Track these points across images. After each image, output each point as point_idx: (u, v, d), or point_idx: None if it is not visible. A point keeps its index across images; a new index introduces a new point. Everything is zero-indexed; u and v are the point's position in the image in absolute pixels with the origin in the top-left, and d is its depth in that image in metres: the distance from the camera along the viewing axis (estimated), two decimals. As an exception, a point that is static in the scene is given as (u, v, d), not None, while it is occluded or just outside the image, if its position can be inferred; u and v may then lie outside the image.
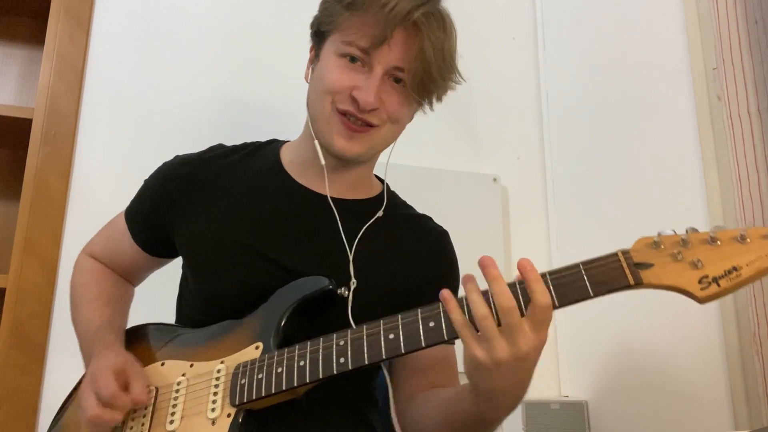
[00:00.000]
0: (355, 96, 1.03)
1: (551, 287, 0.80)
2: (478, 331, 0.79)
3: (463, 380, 0.92)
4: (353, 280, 1.06)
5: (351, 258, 1.08)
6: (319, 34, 1.11)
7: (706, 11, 1.61)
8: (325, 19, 1.08)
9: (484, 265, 0.80)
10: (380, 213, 1.16)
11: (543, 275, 0.81)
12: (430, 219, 1.24)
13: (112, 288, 1.24)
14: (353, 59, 1.05)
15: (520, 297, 0.80)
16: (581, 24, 2.14)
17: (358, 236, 1.11)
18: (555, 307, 0.80)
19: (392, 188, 1.25)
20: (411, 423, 1.06)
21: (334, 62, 1.06)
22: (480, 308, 0.78)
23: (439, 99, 1.12)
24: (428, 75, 1.05)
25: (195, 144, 1.28)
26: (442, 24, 1.05)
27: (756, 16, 1.45)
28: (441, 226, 1.23)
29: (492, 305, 0.79)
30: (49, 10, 1.81)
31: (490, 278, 0.79)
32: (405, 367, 1.11)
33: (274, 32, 2.01)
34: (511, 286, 0.80)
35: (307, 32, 1.16)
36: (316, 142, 1.09)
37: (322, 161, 1.09)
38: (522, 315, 0.78)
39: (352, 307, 1.04)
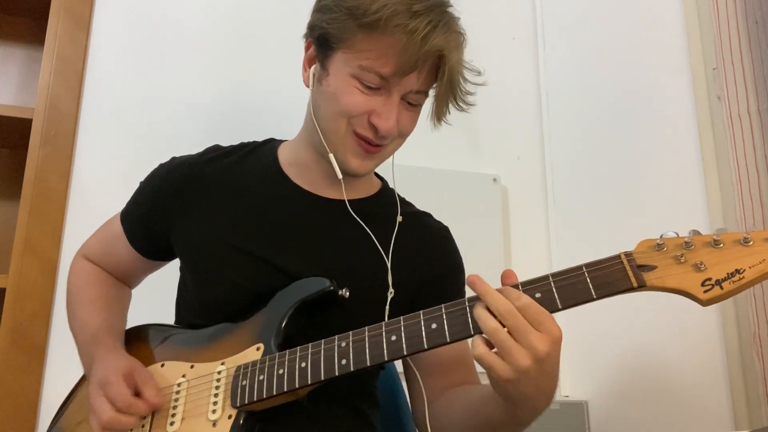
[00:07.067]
0: (376, 123, 1.01)
1: (554, 289, 0.80)
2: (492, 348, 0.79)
3: (483, 378, 0.91)
4: (391, 290, 1.05)
5: (389, 265, 1.08)
6: (325, 44, 1.03)
7: (706, 11, 1.61)
8: (333, 33, 1.01)
9: (472, 283, 0.82)
10: (399, 218, 1.15)
11: (546, 277, 0.81)
12: (430, 216, 1.23)
13: (109, 290, 1.23)
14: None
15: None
16: (581, 24, 2.14)
17: (392, 244, 1.10)
18: (557, 310, 0.80)
19: (392, 187, 1.25)
20: (434, 425, 1.05)
21: (347, 83, 1.00)
22: (488, 322, 0.79)
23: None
24: (454, 100, 1.06)
25: (195, 144, 1.28)
26: (462, 44, 1.04)
27: (756, 16, 1.45)
28: (441, 223, 1.23)
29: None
30: (49, 10, 1.81)
31: (481, 293, 0.81)
32: (422, 367, 1.09)
33: (273, 32, 2.01)
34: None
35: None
36: (331, 156, 1.06)
37: (339, 176, 1.07)
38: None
39: (367, 309, 1.03)
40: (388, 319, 0.98)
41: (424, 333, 0.85)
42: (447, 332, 0.84)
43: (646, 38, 1.83)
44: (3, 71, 1.93)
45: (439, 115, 1.09)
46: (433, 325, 0.85)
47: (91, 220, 1.33)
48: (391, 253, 1.10)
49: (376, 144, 1.05)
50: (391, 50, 0.97)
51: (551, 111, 2.22)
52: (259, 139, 1.26)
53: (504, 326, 0.78)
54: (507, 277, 0.83)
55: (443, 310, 0.85)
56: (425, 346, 0.84)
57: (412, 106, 1.06)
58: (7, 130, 1.77)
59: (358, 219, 1.10)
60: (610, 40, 1.99)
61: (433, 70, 1.03)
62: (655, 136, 1.76)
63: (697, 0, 1.66)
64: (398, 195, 1.21)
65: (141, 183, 1.22)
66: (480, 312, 0.80)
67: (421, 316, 0.86)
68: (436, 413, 1.05)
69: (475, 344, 0.80)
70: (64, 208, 1.72)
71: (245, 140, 1.24)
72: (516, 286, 0.82)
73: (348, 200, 1.12)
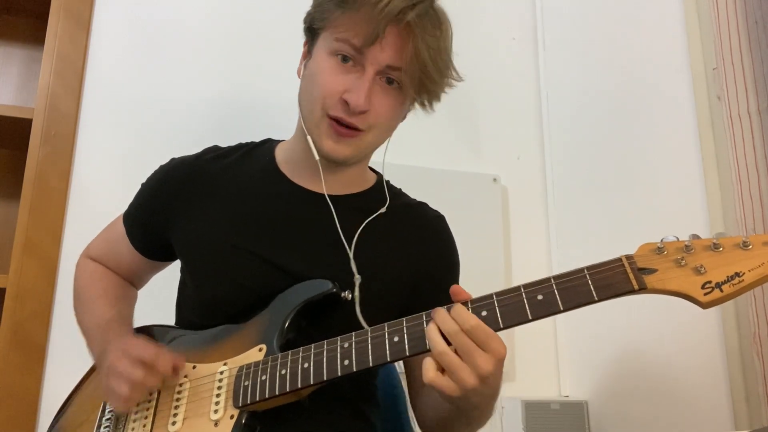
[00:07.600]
0: (346, 98, 1.01)
1: (556, 291, 0.81)
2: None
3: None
4: (357, 276, 1.05)
5: (351, 255, 1.07)
6: (312, 31, 1.09)
7: (706, 11, 1.61)
8: (317, 17, 1.07)
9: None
10: (383, 209, 1.15)
11: (548, 279, 0.82)
12: (425, 205, 1.23)
13: (117, 287, 1.24)
14: (345, 59, 1.03)
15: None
16: (581, 24, 2.14)
17: (357, 232, 1.10)
18: (560, 311, 0.80)
19: (386, 179, 1.24)
20: (418, 414, 1.13)
21: (326, 62, 1.04)
22: (437, 346, 0.82)
23: (438, 99, 1.09)
24: (426, 75, 1.02)
25: (195, 144, 1.28)
26: (437, 22, 1.03)
27: (756, 16, 1.45)
28: (437, 211, 1.23)
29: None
30: (49, 10, 1.81)
31: (433, 314, 0.84)
32: (415, 359, 1.09)
33: (272, 32, 2.01)
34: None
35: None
36: (309, 138, 1.07)
37: (316, 156, 1.07)
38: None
39: (359, 304, 1.03)
40: (360, 304, 1.02)
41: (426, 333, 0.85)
42: None
43: (646, 38, 1.84)
44: (3, 71, 1.93)
45: (417, 92, 1.06)
46: None
47: (91, 220, 1.33)
48: (356, 241, 1.09)
49: (352, 126, 1.04)
50: (360, 23, 1.00)
51: (551, 111, 2.22)
52: (258, 139, 1.26)
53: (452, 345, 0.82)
54: (457, 294, 0.86)
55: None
56: (427, 347, 0.84)
57: (391, 84, 1.04)
58: (7, 130, 1.77)
59: (332, 208, 1.10)
60: (610, 40, 1.99)
61: (405, 46, 1.02)
62: (655, 136, 1.76)
63: (697, 0, 1.66)
64: (389, 186, 1.21)
65: (142, 184, 1.23)
66: (431, 333, 0.83)
67: (424, 317, 0.87)
68: (419, 402, 1.13)
69: (427, 368, 0.83)
70: (64, 208, 1.72)
71: (245, 140, 1.25)
72: (466, 303, 0.85)
73: (342, 195, 1.13)
